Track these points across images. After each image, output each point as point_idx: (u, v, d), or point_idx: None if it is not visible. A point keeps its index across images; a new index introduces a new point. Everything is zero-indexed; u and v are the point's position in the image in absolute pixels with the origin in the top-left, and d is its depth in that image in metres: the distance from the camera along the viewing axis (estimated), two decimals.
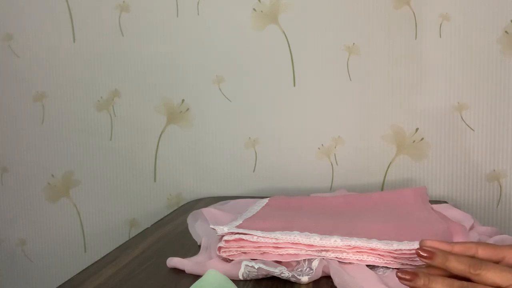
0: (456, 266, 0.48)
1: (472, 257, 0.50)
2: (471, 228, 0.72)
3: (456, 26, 1.01)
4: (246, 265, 0.57)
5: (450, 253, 0.49)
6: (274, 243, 0.59)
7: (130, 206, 1.12)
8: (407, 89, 1.03)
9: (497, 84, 1.00)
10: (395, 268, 0.57)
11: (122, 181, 1.12)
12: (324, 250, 0.59)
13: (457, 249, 0.51)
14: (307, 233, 0.60)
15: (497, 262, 0.50)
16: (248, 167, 1.08)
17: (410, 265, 0.57)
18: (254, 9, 1.06)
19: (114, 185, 1.12)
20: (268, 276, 0.57)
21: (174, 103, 1.10)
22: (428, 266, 0.51)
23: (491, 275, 0.46)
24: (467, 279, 0.47)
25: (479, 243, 0.52)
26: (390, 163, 1.05)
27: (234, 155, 1.08)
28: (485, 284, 0.46)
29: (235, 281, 0.54)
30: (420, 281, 0.47)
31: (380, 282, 0.53)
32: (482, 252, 0.50)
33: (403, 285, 0.50)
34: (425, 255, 0.49)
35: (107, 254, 0.68)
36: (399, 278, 0.47)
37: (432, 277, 0.47)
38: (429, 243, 0.51)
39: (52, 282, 1.14)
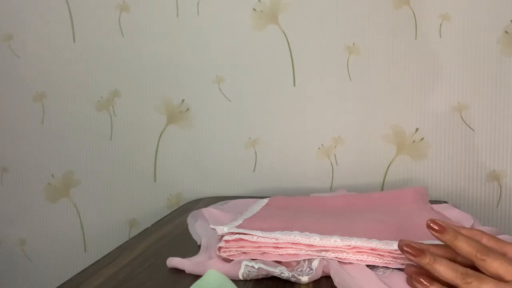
0: (464, 246, 0.47)
1: None
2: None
3: (456, 26, 1.01)
4: (246, 265, 0.57)
5: (460, 233, 0.49)
6: (274, 243, 0.59)
7: (130, 206, 1.12)
8: (407, 89, 1.03)
9: (497, 84, 1.00)
10: (395, 268, 0.57)
11: (122, 181, 1.12)
12: (324, 250, 0.59)
13: (463, 232, 0.51)
14: (307, 233, 0.60)
15: None
16: (248, 167, 1.08)
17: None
18: (254, 9, 1.06)
19: (114, 185, 1.12)
20: (268, 276, 0.57)
21: (174, 103, 1.10)
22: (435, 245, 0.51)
23: (497, 264, 0.46)
24: (471, 266, 0.47)
25: (484, 232, 0.52)
26: (390, 163, 1.05)
27: (234, 155, 1.08)
28: (488, 272, 0.46)
29: (235, 281, 0.54)
30: (425, 259, 0.47)
31: (380, 282, 0.53)
32: (486, 242, 0.50)
33: (403, 285, 0.50)
34: (437, 228, 0.49)
35: (107, 254, 0.68)
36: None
37: (438, 258, 0.47)
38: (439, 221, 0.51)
39: (52, 282, 1.14)
